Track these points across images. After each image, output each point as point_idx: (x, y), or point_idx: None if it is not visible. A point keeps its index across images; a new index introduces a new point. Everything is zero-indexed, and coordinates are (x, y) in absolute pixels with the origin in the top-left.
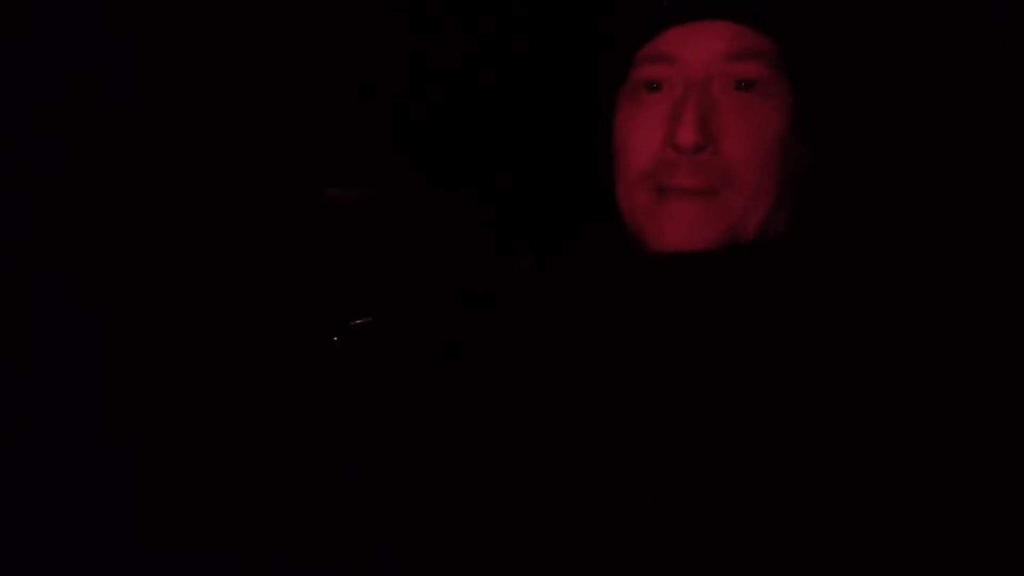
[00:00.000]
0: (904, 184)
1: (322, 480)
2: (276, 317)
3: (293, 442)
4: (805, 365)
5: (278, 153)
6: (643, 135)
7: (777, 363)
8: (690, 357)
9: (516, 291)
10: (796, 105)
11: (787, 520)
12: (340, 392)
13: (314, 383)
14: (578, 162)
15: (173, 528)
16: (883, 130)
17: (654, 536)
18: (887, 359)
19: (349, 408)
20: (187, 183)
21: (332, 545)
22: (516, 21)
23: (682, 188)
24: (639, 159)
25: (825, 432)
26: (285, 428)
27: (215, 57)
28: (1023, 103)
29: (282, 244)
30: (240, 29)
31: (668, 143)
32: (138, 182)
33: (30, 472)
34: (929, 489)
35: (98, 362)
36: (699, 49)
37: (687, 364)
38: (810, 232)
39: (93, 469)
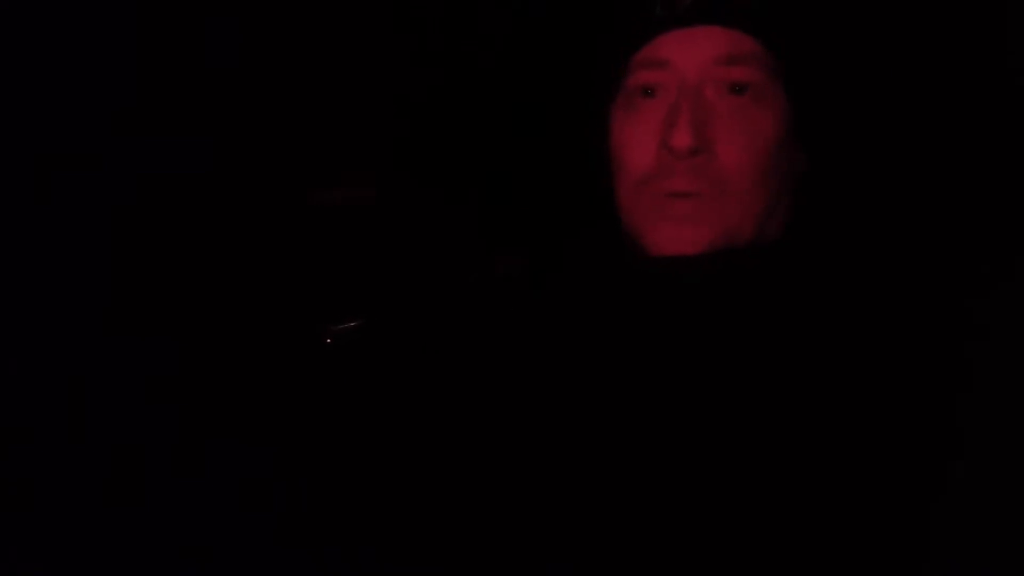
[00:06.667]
0: (898, 187)
1: (321, 480)
2: (275, 317)
3: (293, 442)
4: (802, 369)
5: (275, 154)
6: (639, 140)
7: (775, 367)
8: (689, 361)
9: (512, 292)
10: (789, 109)
11: (786, 522)
12: (337, 392)
13: (312, 384)
14: (576, 167)
15: (173, 528)
16: (876, 133)
17: (654, 542)
18: (883, 361)
19: (347, 408)
20: (184, 184)
21: (332, 545)
22: (515, 24)
23: (678, 192)
24: (636, 164)
25: (822, 434)
26: (285, 428)
27: (214, 57)
28: (1017, 106)
29: (279, 244)
30: (239, 29)
31: (663, 147)
32: (137, 182)
33: (30, 472)
34: (922, 491)
35: (98, 362)
36: (692, 54)
37: (685, 368)
38: (806, 235)
39: (93, 469)
